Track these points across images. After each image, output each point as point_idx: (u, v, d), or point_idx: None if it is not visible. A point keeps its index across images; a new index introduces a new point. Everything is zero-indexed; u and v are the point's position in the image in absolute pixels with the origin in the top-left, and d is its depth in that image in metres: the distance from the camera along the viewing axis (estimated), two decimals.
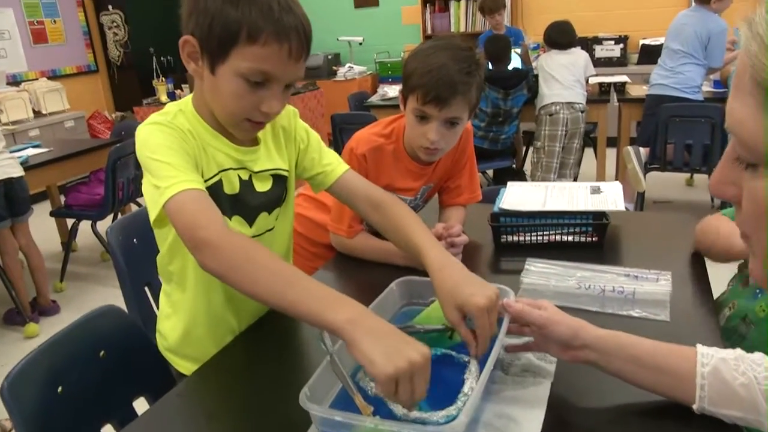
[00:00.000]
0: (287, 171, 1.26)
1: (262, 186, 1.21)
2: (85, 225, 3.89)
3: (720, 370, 0.84)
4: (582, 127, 4.16)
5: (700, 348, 0.88)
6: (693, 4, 3.89)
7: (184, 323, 1.27)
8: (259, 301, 0.95)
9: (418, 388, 0.80)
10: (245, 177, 1.18)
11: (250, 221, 1.21)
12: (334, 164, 1.30)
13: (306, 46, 1.05)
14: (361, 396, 0.85)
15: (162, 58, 6.83)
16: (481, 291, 0.95)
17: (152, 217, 1.04)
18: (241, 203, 1.18)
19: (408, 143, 1.58)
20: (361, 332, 0.81)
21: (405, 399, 0.80)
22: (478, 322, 0.93)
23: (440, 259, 1.06)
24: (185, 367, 1.29)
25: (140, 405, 1.24)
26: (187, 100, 1.16)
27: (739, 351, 0.86)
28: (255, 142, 1.22)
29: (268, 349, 1.21)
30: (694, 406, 0.85)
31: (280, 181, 1.25)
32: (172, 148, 1.05)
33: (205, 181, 1.10)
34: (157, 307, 1.89)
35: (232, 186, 1.16)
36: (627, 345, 0.92)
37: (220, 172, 1.14)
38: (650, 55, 5.68)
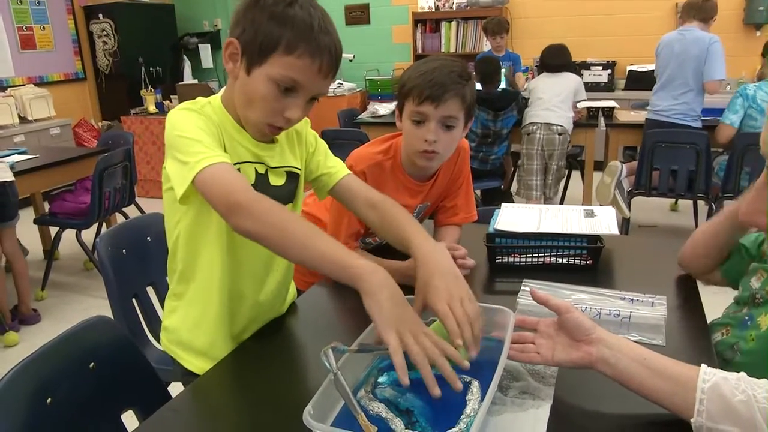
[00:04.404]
0: (299, 169, 1.32)
1: (277, 181, 1.27)
2: (67, 233, 3.84)
3: (720, 386, 0.86)
4: (558, 149, 4.21)
5: (704, 367, 0.90)
6: (684, 24, 3.90)
7: (197, 310, 1.28)
8: (288, 255, 1.07)
9: (427, 347, 0.88)
10: (262, 171, 1.24)
11: None
12: (337, 167, 1.38)
13: (335, 65, 1.14)
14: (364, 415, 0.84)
15: (151, 68, 6.79)
16: (446, 285, 1.02)
17: (179, 193, 1.07)
18: None
19: (406, 156, 1.59)
20: (378, 284, 0.94)
21: (417, 351, 0.87)
22: (438, 311, 0.99)
23: (424, 250, 1.14)
24: (191, 362, 1.30)
25: (128, 418, 1.22)
26: (215, 96, 1.23)
27: (743, 374, 0.87)
28: (273, 140, 1.28)
29: (265, 365, 1.19)
30: (692, 420, 0.86)
31: (293, 178, 1.31)
32: (202, 129, 1.11)
33: None
34: (145, 320, 1.88)
35: (248, 178, 1.20)
36: (637, 347, 0.97)
37: (238, 163, 1.19)
38: (637, 81, 5.77)
